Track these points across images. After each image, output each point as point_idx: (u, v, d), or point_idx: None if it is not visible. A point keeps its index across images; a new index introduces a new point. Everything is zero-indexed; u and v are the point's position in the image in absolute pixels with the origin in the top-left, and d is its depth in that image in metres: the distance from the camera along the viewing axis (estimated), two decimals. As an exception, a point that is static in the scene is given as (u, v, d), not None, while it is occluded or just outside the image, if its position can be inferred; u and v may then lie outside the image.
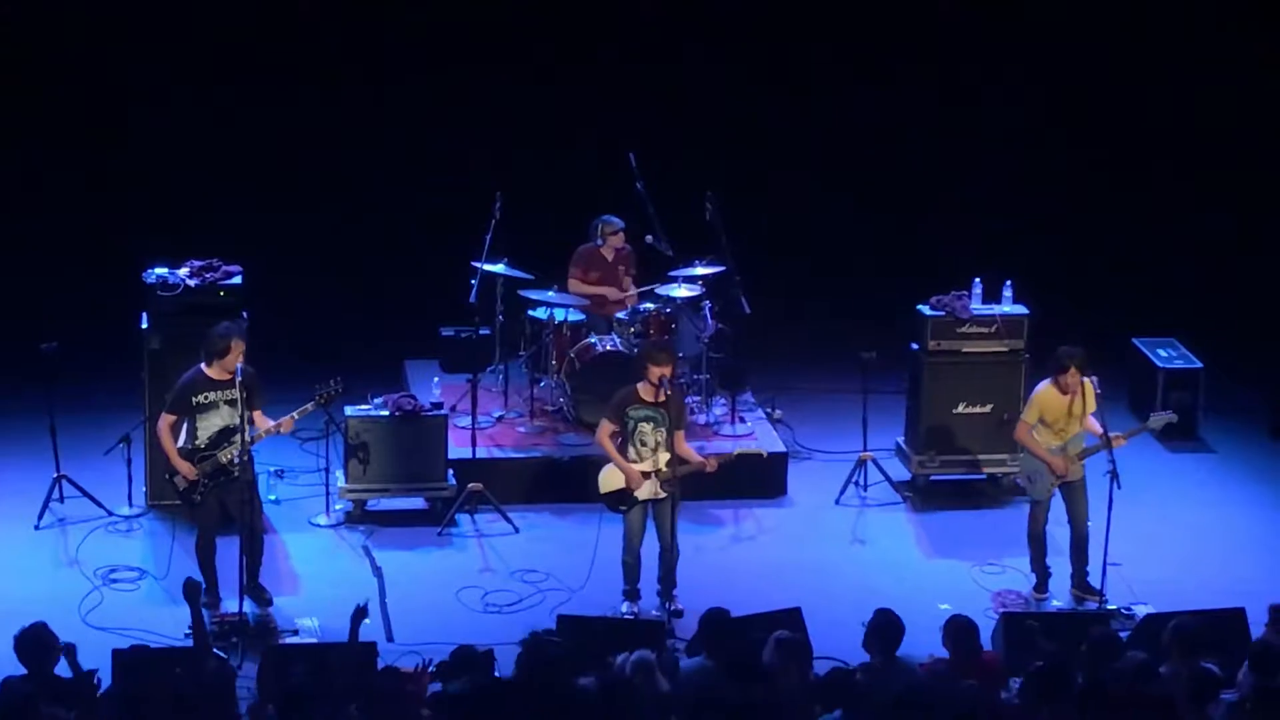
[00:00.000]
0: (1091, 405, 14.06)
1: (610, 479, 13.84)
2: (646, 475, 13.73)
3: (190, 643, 12.38)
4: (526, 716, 10.72)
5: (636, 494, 13.74)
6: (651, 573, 13.95)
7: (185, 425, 13.64)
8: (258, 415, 13.68)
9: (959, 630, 11.68)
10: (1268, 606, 12.14)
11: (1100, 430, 13.92)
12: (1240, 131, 20.02)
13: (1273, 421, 17.34)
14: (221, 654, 12.17)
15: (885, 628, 11.58)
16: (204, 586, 13.13)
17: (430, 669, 11.31)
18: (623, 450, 13.77)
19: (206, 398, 13.58)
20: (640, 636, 12.02)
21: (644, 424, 13.72)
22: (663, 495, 13.72)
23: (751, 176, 19.30)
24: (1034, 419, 14.10)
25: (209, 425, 13.60)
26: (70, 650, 11.23)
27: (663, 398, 13.66)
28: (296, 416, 13.75)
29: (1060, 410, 14.04)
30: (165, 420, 13.67)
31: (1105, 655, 11.30)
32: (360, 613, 11.67)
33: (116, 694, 10.96)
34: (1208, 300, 19.01)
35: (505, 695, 10.89)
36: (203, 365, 13.63)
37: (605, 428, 13.83)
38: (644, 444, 13.75)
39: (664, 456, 13.69)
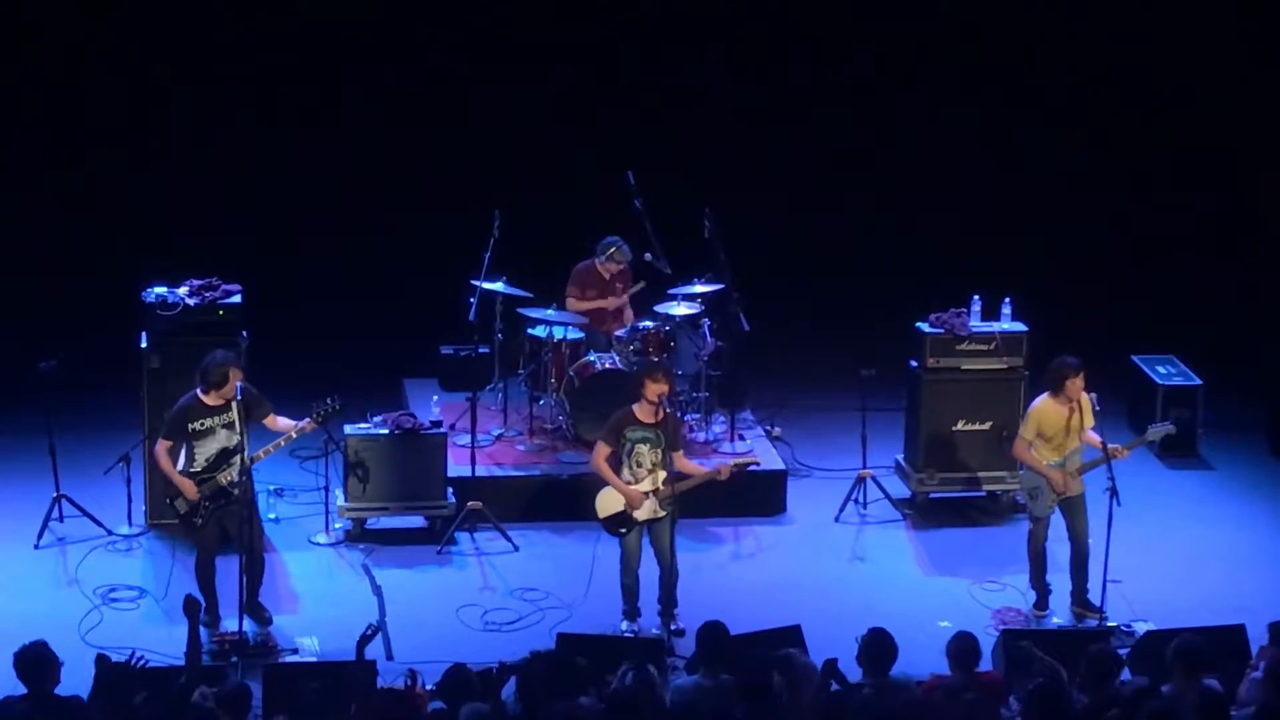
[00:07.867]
0: (1090, 420, 14.04)
1: (608, 502, 13.80)
2: (645, 495, 13.73)
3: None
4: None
5: (636, 515, 13.73)
6: (651, 592, 13.95)
7: (183, 449, 13.64)
8: (274, 420, 13.70)
9: (961, 650, 11.62)
10: (1268, 625, 12.11)
11: (1100, 443, 13.91)
12: (1240, 146, 20.02)
13: (1272, 438, 17.33)
14: (227, 674, 12.11)
15: (876, 647, 11.53)
16: (203, 605, 13.10)
17: (423, 685, 11.26)
18: (616, 472, 13.76)
19: (203, 424, 13.56)
20: (639, 654, 11.99)
21: (641, 445, 13.70)
22: (661, 514, 13.72)
23: (749, 194, 19.28)
24: (1032, 434, 14.06)
25: (206, 449, 13.59)
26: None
27: (662, 416, 13.65)
28: (295, 435, 13.78)
29: (1058, 424, 14.00)
30: (162, 445, 13.64)
31: (1104, 673, 11.28)
32: (367, 638, 11.54)
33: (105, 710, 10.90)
34: (1207, 317, 19.00)
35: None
36: (199, 391, 13.62)
37: (601, 450, 13.78)
38: (640, 465, 13.73)
39: (661, 476, 13.68)
